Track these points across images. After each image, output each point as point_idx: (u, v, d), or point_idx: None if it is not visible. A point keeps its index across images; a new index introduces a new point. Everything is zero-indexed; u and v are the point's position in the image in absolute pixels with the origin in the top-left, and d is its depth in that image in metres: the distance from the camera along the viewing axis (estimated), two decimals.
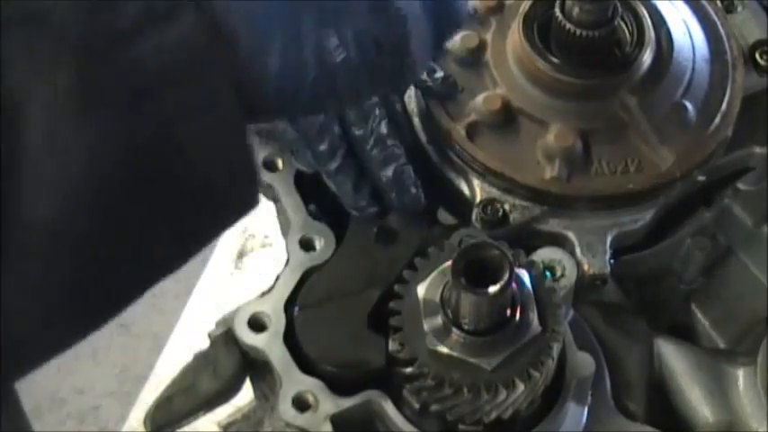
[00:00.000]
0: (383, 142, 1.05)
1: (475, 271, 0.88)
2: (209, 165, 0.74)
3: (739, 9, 1.20)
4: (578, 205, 1.07)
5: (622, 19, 1.11)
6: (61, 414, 2.82)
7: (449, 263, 0.90)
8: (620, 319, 1.14)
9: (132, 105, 0.69)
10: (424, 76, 1.10)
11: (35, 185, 0.67)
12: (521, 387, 0.91)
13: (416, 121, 1.14)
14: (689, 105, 1.10)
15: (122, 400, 2.87)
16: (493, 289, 0.87)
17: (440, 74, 1.10)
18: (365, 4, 0.79)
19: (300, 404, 0.97)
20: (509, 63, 1.12)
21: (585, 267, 1.05)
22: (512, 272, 0.88)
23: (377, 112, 1.05)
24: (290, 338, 1.01)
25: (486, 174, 1.08)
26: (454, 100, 1.11)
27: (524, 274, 0.94)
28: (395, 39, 0.81)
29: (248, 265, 1.97)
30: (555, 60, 1.09)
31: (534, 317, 0.92)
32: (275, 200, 1.13)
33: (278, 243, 1.11)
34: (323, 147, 1.04)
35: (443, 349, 0.91)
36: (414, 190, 1.06)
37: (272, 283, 1.05)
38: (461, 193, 1.10)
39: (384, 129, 1.05)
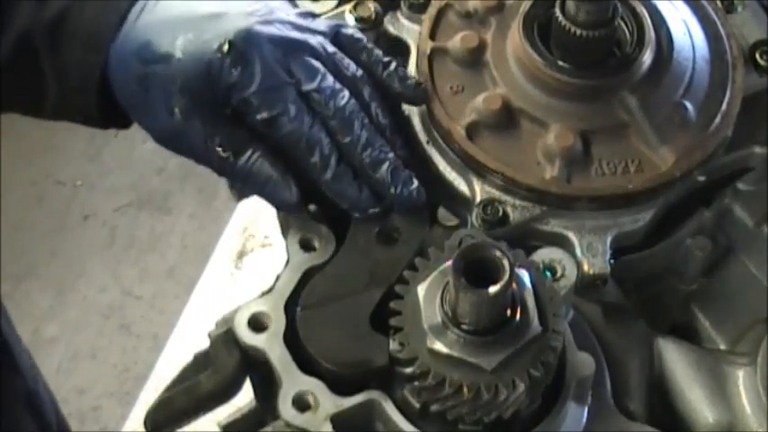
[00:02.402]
0: (371, 145, 1.06)
1: (475, 271, 0.88)
2: None
3: (739, 9, 1.20)
4: (578, 205, 1.07)
5: (622, 19, 1.11)
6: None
7: (449, 263, 0.90)
8: (621, 319, 1.14)
9: None
10: (396, 83, 1.10)
11: None
12: (521, 387, 0.91)
13: (416, 121, 1.14)
14: (689, 105, 1.10)
15: (122, 400, 2.88)
16: (493, 289, 0.87)
17: (411, 81, 1.11)
18: None
19: (300, 404, 0.97)
20: (509, 63, 1.12)
21: (585, 267, 1.05)
22: (512, 272, 0.88)
23: (361, 118, 1.06)
24: (291, 338, 1.01)
25: (486, 174, 1.08)
26: (424, 105, 1.11)
27: (524, 274, 0.94)
28: None
29: (248, 265, 1.97)
30: (555, 60, 1.10)
31: (534, 317, 0.92)
32: None
33: (278, 243, 1.11)
34: (314, 159, 1.05)
35: (443, 349, 0.91)
36: (411, 184, 1.06)
37: (272, 283, 1.05)
38: (461, 193, 1.10)
39: (369, 132, 1.06)
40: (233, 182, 1.11)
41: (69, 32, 1.08)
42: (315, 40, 1.07)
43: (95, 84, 1.08)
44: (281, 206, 1.08)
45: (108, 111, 1.11)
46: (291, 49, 1.05)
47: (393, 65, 1.11)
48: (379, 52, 1.11)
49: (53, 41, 1.08)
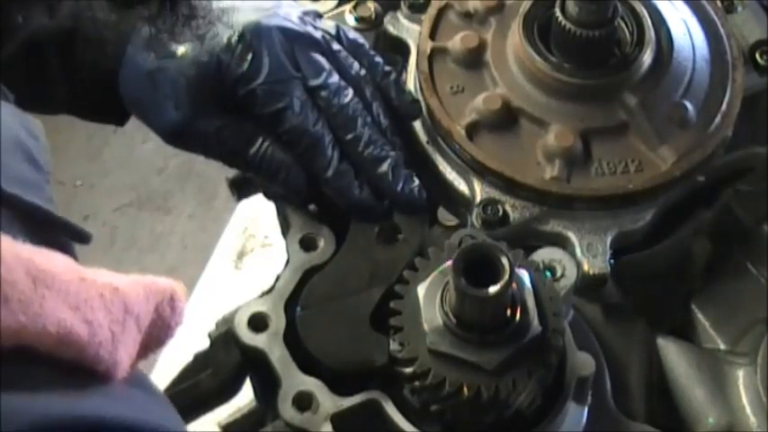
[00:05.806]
0: (373, 143, 1.06)
1: (475, 271, 0.88)
2: None
3: (739, 9, 1.20)
4: (578, 205, 1.07)
5: (622, 19, 1.11)
6: None
7: (449, 263, 0.90)
8: (620, 319, 1.14)
9: None
10: (392, 94, 1.10)
11: None
12: (521, 387, 0.91)
13: (416, 120, 1.14)
14: (689, 105, 1.10)
15: None
16: (493, 289, 0.87)
17: (408, 95, 1.11)
18: None
19: (300, 404, 0.97)
20: (509, 63, 1.12)
21: (585, 267, 1.04)
22: (512, 272, 0.88)
23: (364, 116, 1.06)
24: (291, 338, 1.01)
25: (486, 174, 1.08)
26: (416, 120, 1.12)
27: (524, 274, 0.94)
28: None
29: (248, 265, 1.97)
30: (555, 60, 1.10)
31: (534, 317, 0.92)
32: (275, 200, 1.13)
33: (278, 243, 1.11)
34: (316, 155, 1.05)
35: (443, 349, 0.91)
36: (412, 182, 1.06)
37: (272, 283, 1.05)
38: (461, 193, 1.10)
39: (371, 130, 1.06)
40: (244, 172, 1.11)
41: (83, 38, 1.07)
42: (321, 38, 1.08)
43: (109, 84, 1.08)
44: (294, 192, 1.08)
45: (111, 107, 1.12)
46: (299, 44, 1.06)
47: (393, 75, 1.11)
48: (379, 60, 1.11)
49: (64, 46, 1.08)
